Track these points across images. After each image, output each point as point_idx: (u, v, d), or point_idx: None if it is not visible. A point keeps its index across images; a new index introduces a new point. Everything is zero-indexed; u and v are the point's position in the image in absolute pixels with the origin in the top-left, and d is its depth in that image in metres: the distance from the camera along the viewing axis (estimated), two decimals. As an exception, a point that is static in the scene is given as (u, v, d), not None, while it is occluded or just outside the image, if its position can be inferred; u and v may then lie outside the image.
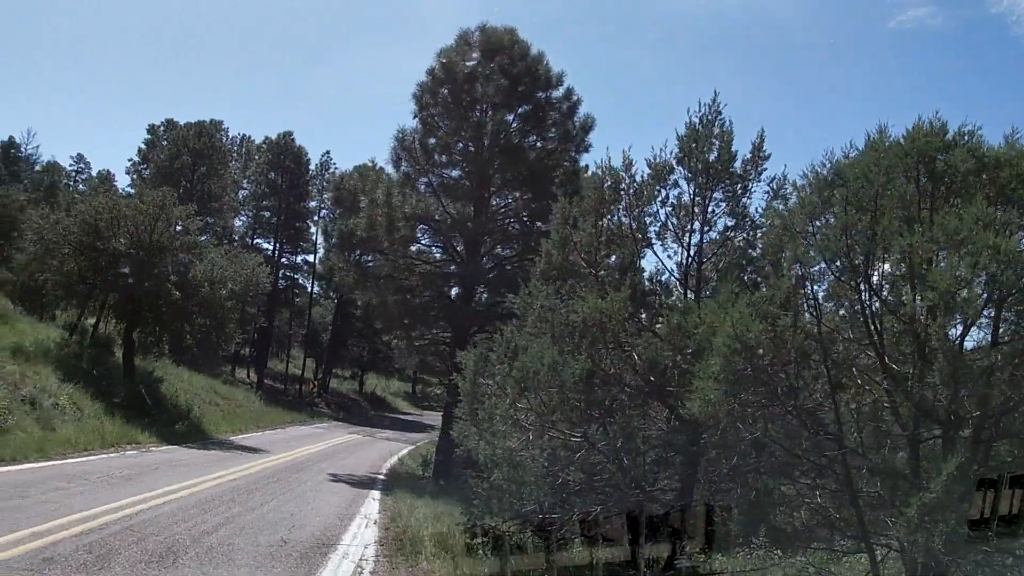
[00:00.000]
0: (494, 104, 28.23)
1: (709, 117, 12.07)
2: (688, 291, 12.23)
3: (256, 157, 75.77)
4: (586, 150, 29.10)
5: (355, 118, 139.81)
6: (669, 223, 12.47)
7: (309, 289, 77.64)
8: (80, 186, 75.88)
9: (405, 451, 40.26)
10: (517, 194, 28.38)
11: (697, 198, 12.25)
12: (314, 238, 76.18)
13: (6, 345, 26.54)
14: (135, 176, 71.34)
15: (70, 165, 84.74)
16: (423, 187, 28.14)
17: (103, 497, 13.86)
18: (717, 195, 12.32)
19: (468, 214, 27.71)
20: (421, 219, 27.01)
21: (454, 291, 29.88)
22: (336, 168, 73.68)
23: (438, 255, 30.32)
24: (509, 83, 27.73)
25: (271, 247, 72.96)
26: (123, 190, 60.94)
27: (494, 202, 28.62)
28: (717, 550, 11.12)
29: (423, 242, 29.39)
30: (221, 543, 11.37)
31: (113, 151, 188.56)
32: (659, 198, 12.46)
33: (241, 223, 75.89)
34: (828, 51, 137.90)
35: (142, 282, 30.62)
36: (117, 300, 33.16)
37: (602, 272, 12.41)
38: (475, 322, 27.64)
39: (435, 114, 28.53)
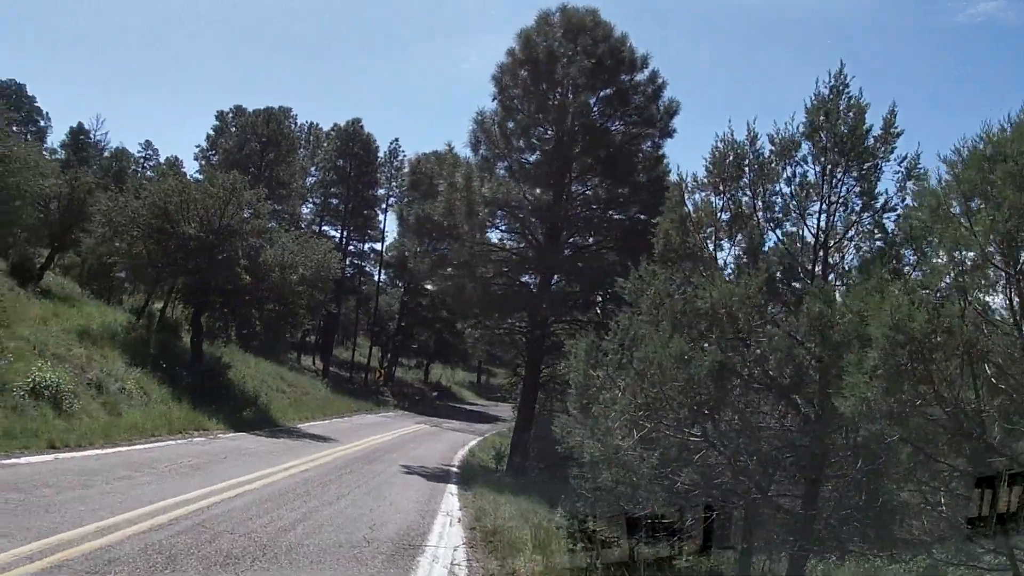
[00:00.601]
0: (575, 86, 26.89)
1: (838, 88, 10.75)
2: (820, 277, 10.89)
3: (324, 144, 75.38)
4: (670, 135, 27.66)
5: (420, 110, 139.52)
6: (792, 203, 11.18)
7: (376, 277, 77.22)
8: (148, 172, 76.22)
9: (474, 442, 39.30)
10: (597, 180, 26.98)
11: (825, 176, 10.93)
12: (381, 226, 75.67)
13: (72, 328, 25.97)
14: (203, 162, 71.21)
15: (138, 152, 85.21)
16: (502, 171, 26.93)
17: (171, 488, 12.93)
18: (845, 175, 11.01)
19: (547, 200, 26.45)
20: (500, 204, 25.71)
21: (530, 280, 28.68)
22: (404, 155, 72.97)
23: (510, 243, 29.07)
24: (592, 64, 26.37)
25: (338, 235, 72.43)
26: (191, 176, 60.99)
27: (574, 188, 27.29)
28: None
29: (501, 228, 28.15)
30: (300, 542, 10.36)
31: (180, 139, 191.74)
32: (783, 176, 11.18)
33: (308, 211, 75.63)
34: (896, 43, 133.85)
35: (211, 266, 29.91)
36: (185, 284, 32.57)
37: (725, 254, 11.17)
38: (553, 311, 26.46)
39: (515, 96, 27.22)
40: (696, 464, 10.15)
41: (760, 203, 11.21)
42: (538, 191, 26.65)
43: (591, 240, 27.60)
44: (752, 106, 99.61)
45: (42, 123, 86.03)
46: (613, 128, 27.20)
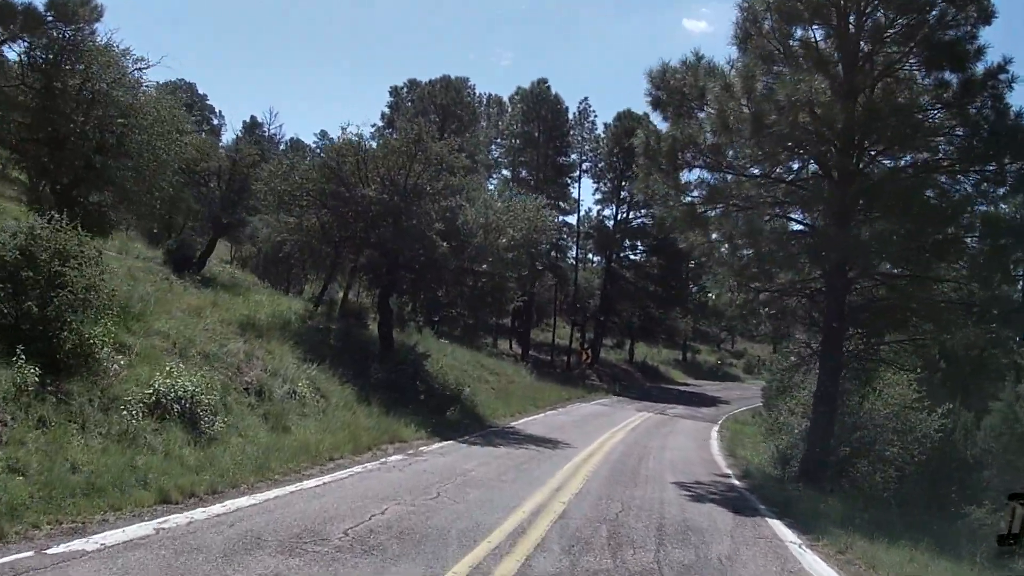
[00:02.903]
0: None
1: None
2: None
3: (508, 110, 69.25)
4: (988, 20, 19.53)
5: (608, 76, 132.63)
6: None
7: (574, 252, 70.39)
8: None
9: (714, 434, 32.41)
10: (913, 63, 19.07)
11: None
12: (576, 194, 69.11)
13: (234, 319, 20.73)
14: (380, 141, 66.36)
15: (313, 143, 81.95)
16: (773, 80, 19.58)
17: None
18: None
19: (838, 108, 18.81)
20: (797, 111, 18.22)
21: (807, 220, 21.32)
22: (595, 116, 66.26)
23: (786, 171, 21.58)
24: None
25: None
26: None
27: (877, 80, 19.53)
28: None
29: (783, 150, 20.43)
30: None
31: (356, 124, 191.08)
32: None
33: (495, 183, 69.85)
34: None
35: (399, 235, 24.18)
36: (370, 259, 27.03)
37: None
38: (857, 258, 19.02)
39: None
40: None
41: None
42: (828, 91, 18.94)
43: (911, 159, 19.78)
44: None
45: (215, 121, 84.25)
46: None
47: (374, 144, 27.25)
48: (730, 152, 19.38)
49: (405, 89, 70.56)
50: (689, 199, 20.51)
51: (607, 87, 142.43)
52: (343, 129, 26.27)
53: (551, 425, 27.90)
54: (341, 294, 31.46)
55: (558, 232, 67.74)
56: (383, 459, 15.54)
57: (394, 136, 29.46)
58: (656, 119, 21.31)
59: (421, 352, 28.64)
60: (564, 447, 21.44)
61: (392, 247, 24.80)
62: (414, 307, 26.79)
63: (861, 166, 19.42)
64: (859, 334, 20.82)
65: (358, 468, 14.02)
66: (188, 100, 71.65)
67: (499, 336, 63.85)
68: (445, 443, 19.31)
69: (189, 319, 18.15)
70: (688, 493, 15.94)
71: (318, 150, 38.30)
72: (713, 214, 20.61)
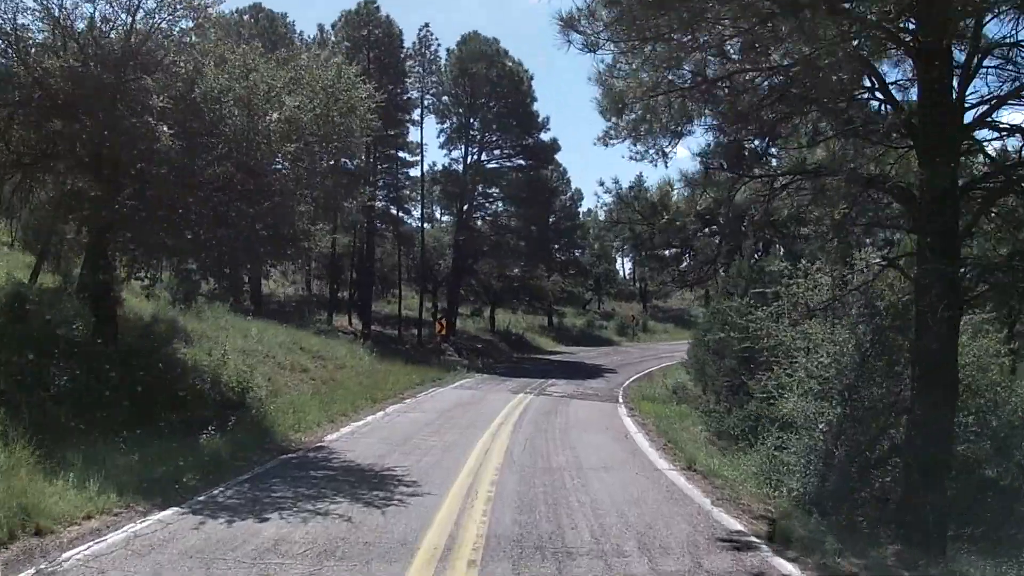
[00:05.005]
0: None
1: None
2: None
3: (332, 39, 57.32)
4: None
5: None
6: None
7: (420, 204, 59.18)
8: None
9: (630, 424, 22.72)
10: None
11: None
12: (419, 138, 58.22)
13: None
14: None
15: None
16: None
17: None
18: None
19: None
20: None
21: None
22: (439, 44, 55.77)
23: None
24: None
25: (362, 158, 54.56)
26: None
27: None
28: None
29: None
30: None
31: None
32: None
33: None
34: None
35: (111, 126, 13.57)
36: (74, 182, 16.14)
37: None
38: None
39: None
40: None
41: None
42: None
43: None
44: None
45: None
46: None
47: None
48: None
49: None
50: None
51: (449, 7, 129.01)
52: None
53: (391, 434, 17.84)
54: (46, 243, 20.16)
55: (378, 114, 56.65)
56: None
57: None
58: None
59: (180, 328, 18.05)
60: (407, 495, 11.41)
61: (103, 152, 14.20)
62: (138, 256, 16.00)
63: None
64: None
65: None
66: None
67: (337, 311, 52.99)
68: (146, 521, 9.14)
69: None
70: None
71: None
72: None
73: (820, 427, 12.11)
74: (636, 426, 21.85)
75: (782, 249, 22.15)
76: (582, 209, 75.81)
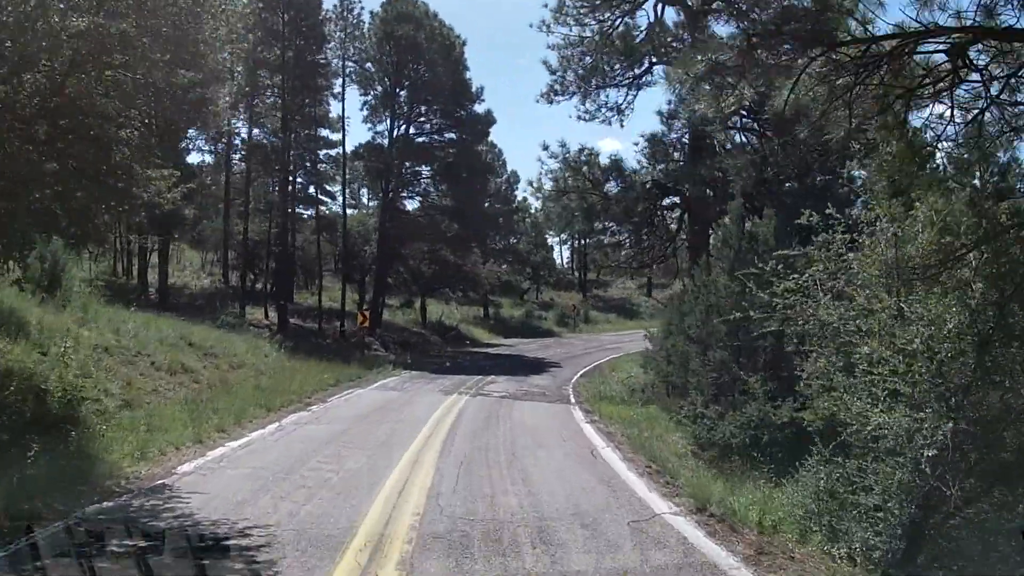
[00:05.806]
0: None
1: None
2: None
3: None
4: None
5: None
6: None
7: (342, 184, 53.85)
8: None
9: (597, 438, 18.00)
10: None
11: None
12: (340, 111, 52.83)
13: None
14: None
15: None
16: None
17: None
18: None
19: None
20: None
21: None
22: (362, 7, 50.62)
23: None
24: None
25: (278, 136, 48.98)
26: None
27: None
28: None
29: None
30: None
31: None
32: None
33: (227, 99, 52.50)
34: None
35: None
36: None
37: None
38: None
39: None
40: None
41: None
42: None
43: None
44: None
45: None
46: None
47: None
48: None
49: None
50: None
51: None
52: None
53: (275, 459, 12.99)
54: None
55: (314, 163, 51.38)
56: None
57: None
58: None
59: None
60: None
61: None
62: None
63: None
64: None
65: None
66: None
67: (254, 303, 47.63)
68: None
69: None
70: None
71: None
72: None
73: (925, 452, 7.61)
74: (602, 437, 17.21)
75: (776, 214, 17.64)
76: (518, 194, 71.73)
